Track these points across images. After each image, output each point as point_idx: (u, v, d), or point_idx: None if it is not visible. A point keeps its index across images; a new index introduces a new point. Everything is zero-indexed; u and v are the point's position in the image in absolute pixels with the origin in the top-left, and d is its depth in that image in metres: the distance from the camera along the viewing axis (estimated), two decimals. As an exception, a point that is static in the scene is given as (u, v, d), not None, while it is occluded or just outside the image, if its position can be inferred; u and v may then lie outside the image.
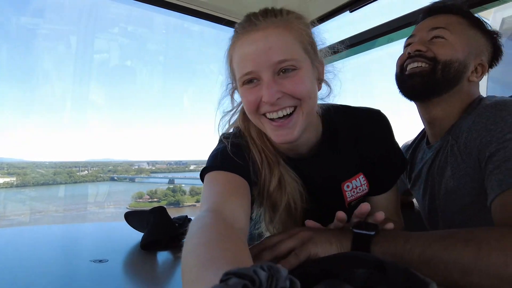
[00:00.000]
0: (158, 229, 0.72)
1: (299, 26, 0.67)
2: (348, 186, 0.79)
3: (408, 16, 1.54)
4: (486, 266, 0.45)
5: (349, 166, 0.80)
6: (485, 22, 0.87)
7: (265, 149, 0.75)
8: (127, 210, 0.87)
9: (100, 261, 0.62)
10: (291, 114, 0.66)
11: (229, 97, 0.79)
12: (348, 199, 0.80)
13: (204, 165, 0.70)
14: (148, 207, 0.79)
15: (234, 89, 0.78)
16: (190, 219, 0.77)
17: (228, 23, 1.81)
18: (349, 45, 1.85)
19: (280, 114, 0.65)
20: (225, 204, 0.55)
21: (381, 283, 0.33)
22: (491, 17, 1.93)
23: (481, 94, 0.86)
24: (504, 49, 0.87)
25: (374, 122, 0.80)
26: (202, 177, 0.67)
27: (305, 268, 0.35)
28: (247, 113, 0.72)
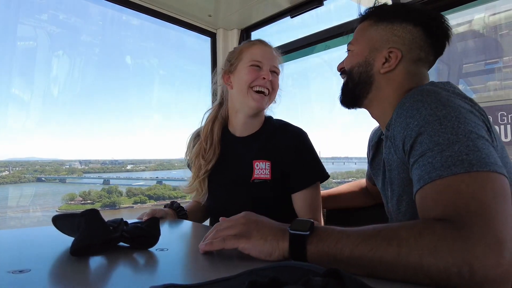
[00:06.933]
0: (90, 233, 0.67)
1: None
2: (257, 165, 1.15)
3: (346, 24, 1.65)
4: (405, 265, 0.52)
5: (263, 153, 1.17)
6: (405, 7, 0.87)
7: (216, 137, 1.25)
8: (56, 214, 0.80)
9: (20, 271, 0.56)
10: (267, 94, 1.18)
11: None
12: (255, 175, 1.14)
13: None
14: (81, 209, 0.74)
15: (227, 72, 1.22)
16: (126, 222, 0.74)
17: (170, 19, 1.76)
18: (289, 50, 1.92)
19: (265, 90, 1.16)
20: None
21: None
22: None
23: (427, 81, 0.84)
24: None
25: (292, 135, 1.19)
26: None
27: (252, 278, 0.35)
28: (242, 85, 1.15)
